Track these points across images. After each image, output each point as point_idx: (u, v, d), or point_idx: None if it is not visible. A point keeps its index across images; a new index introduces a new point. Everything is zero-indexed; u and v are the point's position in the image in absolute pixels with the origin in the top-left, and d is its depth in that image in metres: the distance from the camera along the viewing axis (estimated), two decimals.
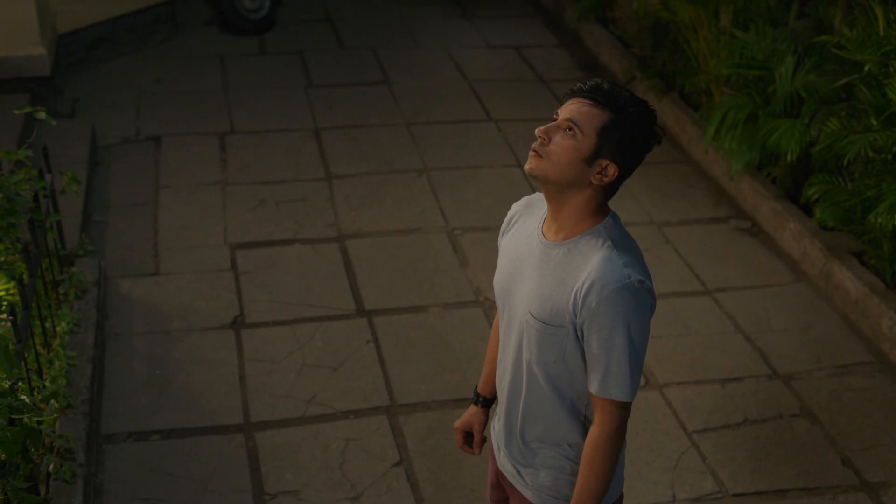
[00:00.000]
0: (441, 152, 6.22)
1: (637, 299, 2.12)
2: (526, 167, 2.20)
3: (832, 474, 3.92)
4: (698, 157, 6.19)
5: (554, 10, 8.61)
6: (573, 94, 2.19)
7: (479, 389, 2.68)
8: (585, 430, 2.32)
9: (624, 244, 2.18)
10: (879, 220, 4.45)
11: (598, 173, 2.15)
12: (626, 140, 2.15)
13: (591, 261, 2.15)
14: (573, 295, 2.15)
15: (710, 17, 6.04)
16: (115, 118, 6.38)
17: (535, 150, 2.17)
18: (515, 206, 2.46)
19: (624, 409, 2.21)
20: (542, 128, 2.18)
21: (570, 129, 2.14)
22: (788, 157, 5.07)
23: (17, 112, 4.60)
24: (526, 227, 2.35)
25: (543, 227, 2.28)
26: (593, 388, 2.20)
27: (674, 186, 5.96)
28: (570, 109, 2.15)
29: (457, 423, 2.69)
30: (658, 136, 2.20)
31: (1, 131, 5.51)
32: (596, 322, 2.13)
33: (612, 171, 2.16)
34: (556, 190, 2.19)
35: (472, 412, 2.68)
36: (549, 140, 2.15)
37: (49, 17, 6.51)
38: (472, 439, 2.69)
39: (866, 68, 4.76)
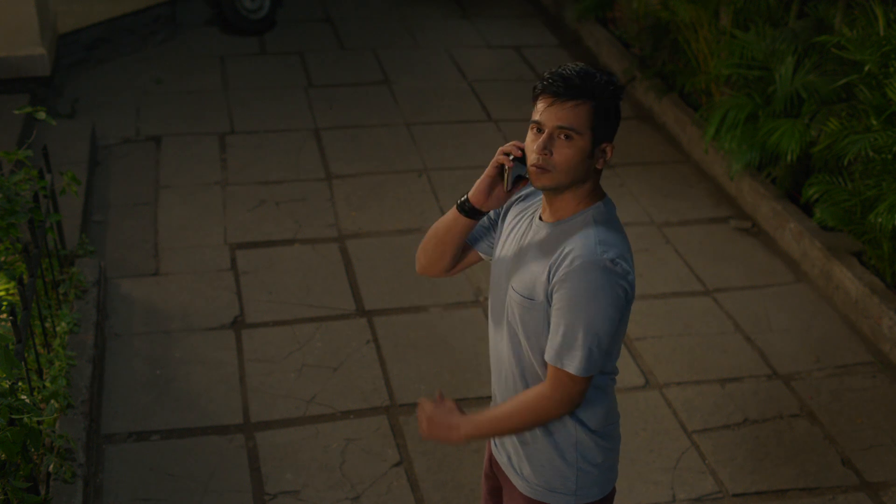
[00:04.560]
0: (441, 152, 6.22)
1: (606, 277, 2.13)
2: (536, 184, 2.20)
3: (832, 474, 3.92)
4: (698, 157, 6.19)
5: (554, 10, 8.61)
6: (546, 93, 2.17)
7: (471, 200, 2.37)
8: (574, 422, 2.34)
9: (607, 226, 2.21)
10: (879, 220, 4.45)
11: (600, 158, 2.22)
12: (612, 117, 2.20)
13: (571, 236, 2.19)
14: (548, 266, 2.19)
15: (710, 17, 6.04)
16: (115, 118, 6.38)
17: (539, 167, 2.17)
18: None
19: (574, 383, 2.20)
20: (539, 144, 2.16)
21: (567, 137, 2.15)
22: (788, 157, 5.07)
23: (17, 112, 4.60)
24: (528, 207, 2.40)
25: (541, 210, 2.32)
26: (548, 355, 2.20)
27: (674, 186, 5.96)
28: (557, 116, 2.14)
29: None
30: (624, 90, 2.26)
31: (1, 131, 5.51)
32: (560, 292, 2.16)
33: (609, 150, 2.22)
34: (568, 186, 2.21)
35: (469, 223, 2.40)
36: (550, 153, 2.16)
37: (49, 17, 6.51)
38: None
39: (866, 68, 4.76)
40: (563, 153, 2.15)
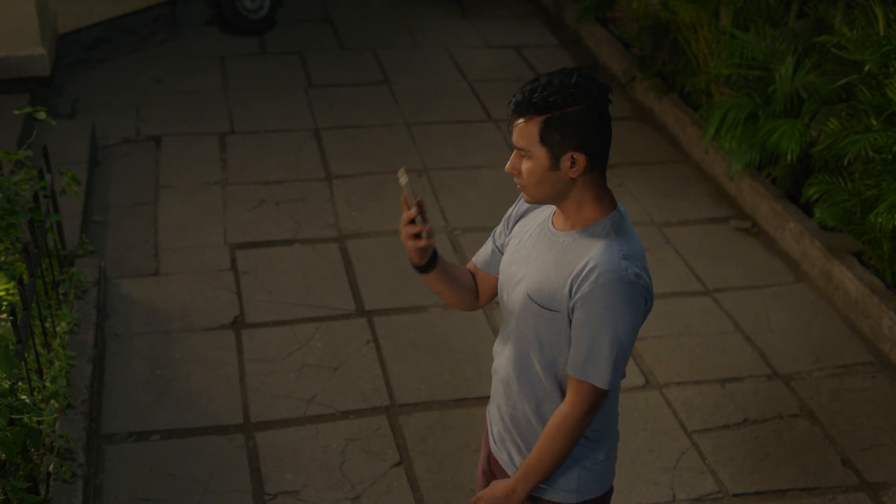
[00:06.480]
0: (441, 152, 6.22)
1: (630, 292, 2.15)
2: (525, 199, 2.31)
3: (832, 474, 3.92)
4: (698, 157, 6.19)
5: (554, 10, 8.61)
6: (510, 114, 2.23)
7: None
8: None
9: (627, 239, 2.22)
10: (879, 220, 4.45)
11: (571, 167, 2.17)
12: (573, 124, 2.14)
13: (592, 249, 2.19)
14: (570, 280, 2.19)
15: (710, 17, 6.04)
16: (115, 118, 6.38)
17: (519, 185, 2.26)
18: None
19: (597, 394, 2.25)
20: (509, 164, 2.24)
21: (524, 155, 2.20)
22: (788, 157, 5.07)
23: (17, 112, 4.60)
24: (538, 216, 2.41)
25: (553, 217, 2.33)
26: (571, 369, 2.23)
27: (674, 186, 5.96)
28: (514, 137, 2.21)
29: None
30: (604, 94, 2.16)
31: (1, 131, 5.51)
32: (586, 307, 2.17)
33: (580, 159, 2.16)
34: (553, 200, 2.26)
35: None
36: (519, 171, 2.22)
37: (49, 17, 6.51)
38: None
39: (866, 68, 4.76)
40: (525, 170, 2.21)
